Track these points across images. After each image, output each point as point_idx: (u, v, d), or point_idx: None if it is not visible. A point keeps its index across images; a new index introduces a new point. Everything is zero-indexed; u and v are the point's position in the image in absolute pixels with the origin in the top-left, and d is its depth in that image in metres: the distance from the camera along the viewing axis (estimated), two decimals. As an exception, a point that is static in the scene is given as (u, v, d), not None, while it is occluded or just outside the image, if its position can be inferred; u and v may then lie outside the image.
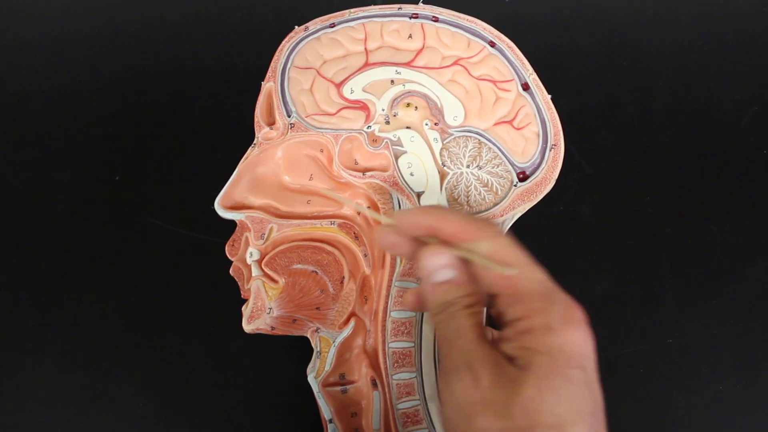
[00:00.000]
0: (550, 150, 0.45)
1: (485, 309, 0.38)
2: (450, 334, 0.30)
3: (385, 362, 0.41)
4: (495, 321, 0.32)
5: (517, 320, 0.29)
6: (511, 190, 0.44)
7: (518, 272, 0.29)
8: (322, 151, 0.45)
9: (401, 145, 0.45)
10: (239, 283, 0.43)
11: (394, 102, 0.45)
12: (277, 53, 0.47)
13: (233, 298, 0.43)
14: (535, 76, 0.47)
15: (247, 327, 0.42)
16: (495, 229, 0.31)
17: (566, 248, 0.46)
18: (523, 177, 0.45)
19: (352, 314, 0.42)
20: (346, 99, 0.45)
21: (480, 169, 0.44)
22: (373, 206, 0.44)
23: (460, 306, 0.30)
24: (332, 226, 0.44)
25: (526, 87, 0.47)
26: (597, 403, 0.27)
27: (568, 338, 0.27)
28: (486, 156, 0.45)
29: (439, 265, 0.31)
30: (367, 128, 0.45)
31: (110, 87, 0.51)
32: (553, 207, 0.47)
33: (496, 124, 0.45)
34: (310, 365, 0.41)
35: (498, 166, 0.45)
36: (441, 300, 0.30)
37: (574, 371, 0.26)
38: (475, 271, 0.31)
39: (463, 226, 0.31)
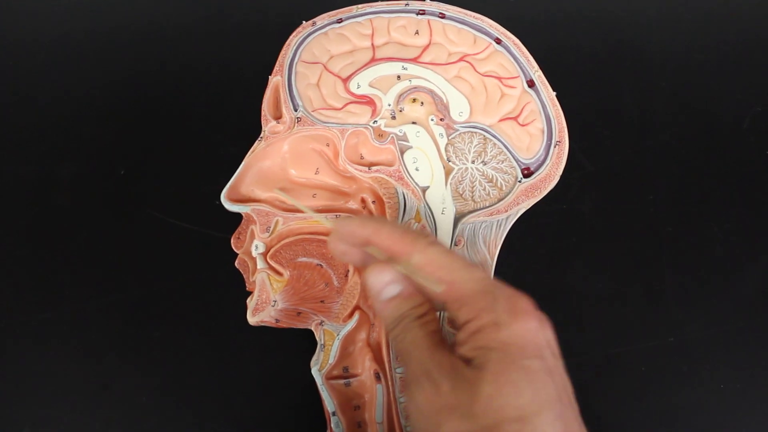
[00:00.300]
0: (555, 146, 0.46)
1: (442, 314, 0.39)
2: (406, 346, 0.30)
3: (388, 355, 0.41)
4: (452, 325, 0.32)
5: (467, 322, 0.29)
6: (516, 186, 0.45)
7: (442, 289, 0.29)
8: (328, 145, 0.45)
9: (407, 140, 0.45)
10: (244, 276, 0.44)
11: (401, 97, 0.46)
12: (284, 48, 0.47)
13: (238, 290, 0.44)
14: (540, 73, 0.47)
15: (252, 319, 0.42)
16: (428, 239, 0.31)
17: (568, 246, 0.46)
18: (527, 173, 0.45)
19: (357, 307, 0.42)
20: (352, 94, 0.46)
21: (485, 164, 0.45)
22: (378, 201, 0.44)
23: (411, 318, 0.30)
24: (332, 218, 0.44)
25: (531, 84, 0.47)
26: (562, 388, 0.28)
27: (517, 331, 0.27)
28: (491, 152, 0.45)
29: (384, 282, 0.31)
30: (373, 123, 0.45)
31: (116, 81, 0.51)
32: (555, 205, 0.47)
33: (501, 120, 0.46)
34: (314, 358, 0.41)
35: (503, 162, 0.45)
36: (393, 315, 0.31)
37: (531, 361, 0.27)
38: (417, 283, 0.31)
39: (396, 239, 0.31)
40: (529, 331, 0.27)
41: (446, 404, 0.27)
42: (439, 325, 0.31)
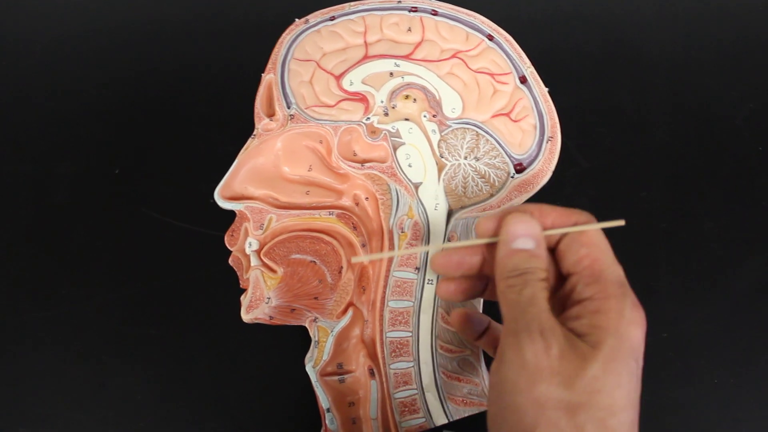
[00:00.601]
0: (547, 142, 0.46)
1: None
2: (523, 300, 0.30)
3: (382, 352, 0.41)
4: (558, 302, 0.32)
5: (591, 299, 0.30)
6: (508, 182, 0.45)
7: (623, 222, 0.31)
8: (321, 142, 0.45)
9: (400, 137, 0.45)
10: (238, 273, 0.44)
11: (393, 94, 0.46)
12: (277, 45, 0.47)
13: (232, 288, 0.44)
14: (532, 69, 0.47)
15: (246, 317, 0.42)
16: (585, 217, 0.33)
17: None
18: (520, 168, 0.45)
19: (350, 304, 0.42)
20: (345, 91, 0.46)
21: (477, 160, 0.45)
22: (371, 197, 0.44)
23: (536, 277, 0.31)
24: (331, 216, 0.44)
25: (523, 80, 0.47)
26: (638, 395, 0.29)
27: (635, 329, 0.28)
28: (483, 148, 0.45)
29: (522, 233, 0.32)
30: (366, 120, 0.45)
31: (110, 81, 0.51)
32: (551, 202, 0.46)
33: (493, 116, 0.46)
34: (308, 355, 0.41)
35: (495, 158, 0.45)
36: (517, 266, 0.31)
37: (632, 362, 0.28)
38: (558, 250, 0.33)
39: (558, 215, 0.33)
40: (640, 334, 0.29)
41: (551, 366, 0.28)
42: (550, 295, 0.31)
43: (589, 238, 0.31)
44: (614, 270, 0.30)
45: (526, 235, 0.32)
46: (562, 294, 0.32)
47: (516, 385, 0.28)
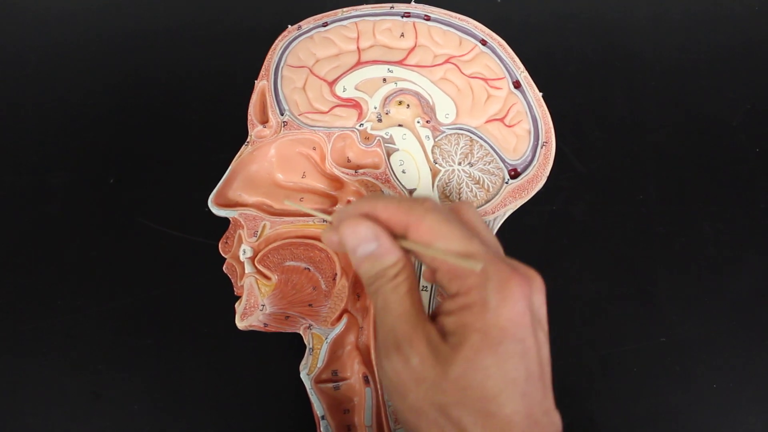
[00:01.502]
0: (542, 147, 0.45)
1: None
2: (379, 309, 0.30)
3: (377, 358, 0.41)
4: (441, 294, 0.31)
5: (456, 295, 0.29)
6: (503, 187, 0.44)
7: (482, 267, 0.28)
8: (314, 148, 0.45)
9: (393, 143, 0.45)
10: (232, 281, 0.44)
11: (387, 100, 0.46)
12: (270, 52, 0.47)
13: (226, 295, 0.43)
14: (526, 74, 0.47)
15: (240, 324, 0.42)
16: (425, 206, 0.30)
17: (559, 248, 0.46)
18: (514, 174, 0.45)
19: (345, 311, 0.42)
20: (338, 97, 0.46)
21: (471, 166, 0.45)
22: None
23: (386, 279, 0.29)
24: (324, 223, 0.44)
25: (517, 85, 0.47)
26: (533, 366, 0.28)
27: (504, 313, 0.27)
28: (477, 153, 0.45)
29: (359, 238, 0.30)
30: (360, 126, 0.45)
31: (104, 90, 0.51)
32: (546, 207, 0.47)
33: (487, 121, 0.46)
34: (303, 362, 0.41)
35: (489, 164, 0.45)
36: (368, 274, 0.30)
37: (508, 345, 0.27)
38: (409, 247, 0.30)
39: (393, 211, 0.30)
40: (514, 313, 0.27)
41: (414, 377, 0.28)
42: (415, 284, 0.30)
43: (426, 230, 0.29)
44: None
45: (364, 240, 0.30)
46: (438, 284, 0.31)
47: (391, 396, 0.29)
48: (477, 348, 0.27)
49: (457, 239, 0.29)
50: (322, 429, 0.40)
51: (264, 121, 0.46)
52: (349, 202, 0.44)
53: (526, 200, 0.45)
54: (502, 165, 0.45)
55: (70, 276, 0.46)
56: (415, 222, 0.29)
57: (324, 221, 0.44)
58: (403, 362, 0.28)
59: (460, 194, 0.44)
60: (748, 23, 0.55)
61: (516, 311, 0.27)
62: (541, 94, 0.47)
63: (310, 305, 0.42)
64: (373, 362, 0.30)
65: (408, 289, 0.30)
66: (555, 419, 0.29)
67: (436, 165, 0.44)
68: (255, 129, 0.46)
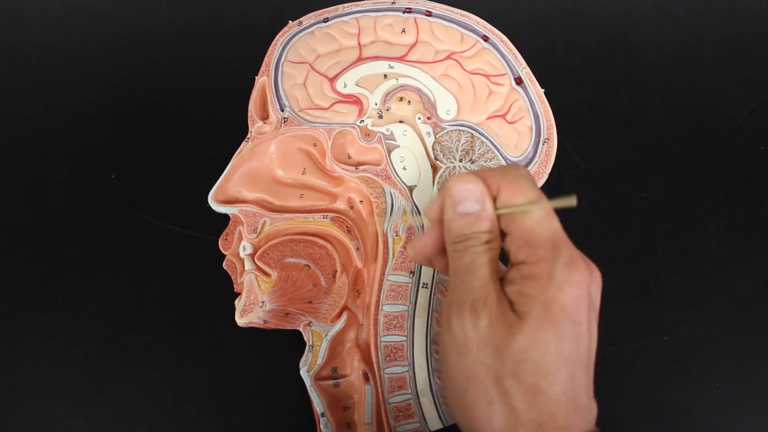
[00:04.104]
0: (543, 144, 0.45)
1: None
2: (461, 267, 0.30)
3: (377, 356, 0.41)
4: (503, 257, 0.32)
5: (523, 264, 0.29)
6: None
7: (575, 201, 0.29)
8: (315, 145, 0.45)
9: (394, 139, 0.45)
10: (232, 277, 0.44)
11: (387, 96, 0.45)
12: (270, 48, 0.47)
13: (226, 292, 0.43)
14: (528, 70, 0.47)
15: (240, 321, 0.42)
16: (518, 171, 0.31)
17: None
18: (516, 171, 0.45)
19: (345, 308, 0.42)
20: (339, 93, 0.45)
21: (472, 163, 0.44)
22: (366, 200, 0.44)
23: (478, 241, 0.30)
24: (325, 219, 0.44)
25: (519, 81, 0.46)
26: (585, 351, 0.29)
27: (566, 292, 0.28)
28: (479, 150, 0.45)
29: (466, 194, 0.31)
30: (360, 122, 0.45)
31: (105, 86, 0.51)
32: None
33: (489, 118, 0.45)
34: (303, 359, 0.41)
35: (491, 160, 0.45)
36: (461, 231, 0.31)
37: (566, 324, 0.28)
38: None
39: (488, 174, 0.31)
40: (575, 295, 0.28)
41: (479, 338, 0.28)
42: (498, 254, 0.31)
43: (518, 192, 0.30)
44: (545, 227, 0.29)
45: (469, 198, 0.31)
46: (505, 250, 0.31)
47: (449, 356, 0.30)
48: (539, 320, 0.28)
49: (544, 200, 0.30)
50: (321, 426, 0.40)
51: (264, 117, 0.46)
52: (349, 199, 0.44)
53: (527, 197, 0.45)
54: (503, 161, 0.45)
55: (70, 271, 0.46)
56: (508, 183, 0.30)
57: (322, 218, 0.44)
58: (473, 321, 0.29)
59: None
60: (754, 19, 0.54)
61: (578, 292, 0.28)
62: (543, 90, 0.46)
63: (309, 302, 0.42)
64: (442, 316, 0.31)
65: (493, 257, 0.30)
66: (593, 407, 0.30)
67: (437, 161, 0.44)
68: (255, 125, 0.45)
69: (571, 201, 0.28)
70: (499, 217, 0.31)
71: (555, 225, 0.30)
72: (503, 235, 0.31)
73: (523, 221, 0.29)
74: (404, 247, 0.42)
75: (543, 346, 0.27)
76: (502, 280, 0.30)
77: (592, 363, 0.30)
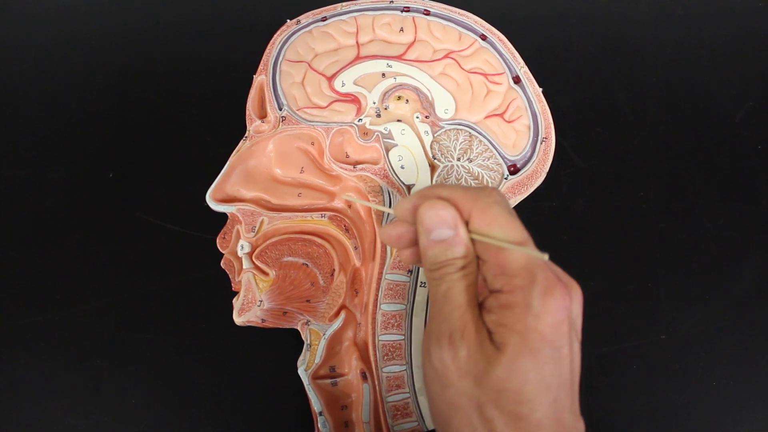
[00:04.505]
0: (541, 143, 0.45)
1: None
2: (439, 297, 0.30)
3: (375, 355, 0.41)
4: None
5: (500, 292, 0.29)
6: (502, 183, 0.44)
7: (546, 256, 0.28)
8: (313, 143, 0.45)
9: (392, 138, 0.45)
10: (230, 276, 0.43)
11: (385, 95, 0.45)
12: (268, 47, 0.47)
13: (224, 291, 0.43)
14: (526, 69, 0.47)
15: (238, 320, 0.42)
16: (492, 198, 0.30)
17: (559, 244, 0.46)
18: (513, 170, 0.45)
19: (343, 307, 0.42)
20: (337, 92, 0.45)
21: (470, 161, 0.44)
22: (364, 199, 0.44)
23: (453, 268, 0.30)
24: (323, 218, 0.44)
25: (517, 80, 0.46)
26: (567, 374, 0.29)
27: (544, 320, 0.28)
28: (477, 149, 0.45)
29: (439, 222, 0.30)
30: (358, 121, 0.45)
31: (103, 85, 0.51)
32: (546, 202, 0.46)
33: (487, 116, 0.45)
34: (301, 358, 0.41)
35: (489, 159, 0.45)
36: (436, 259, 0.31)
37: (546, 351, 0.28)
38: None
39: (459, 196, 0.31)
40: (553, 322, 0.28)
41: (459, 368, 0.29)
42: (476, 279, 0.31)
43: (490, 220, 0.30)
44: (520, 255, 0.29)
45: (441, 225, 0.30)
46: (482, 276, 0.31)
47: (431, 386, 0.30)
48: (518, 350, 0.28)
49: (518, 233, 0.29)
50: (319, 425, 0.40)
51: (262, 116, 0.46)
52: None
53: (525, 196, 0.45)
54: (501, 161, 0.45)
55: (68, 270, 0.46)
56: (480, 210, 0.30)
57: (320, 217, 0.44)
58: (452, 353, 0.29)
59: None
60: (752, 19, 0.54)
61: (556, 319, 0.28)
62: (541, 89, 0.46)
63: (307, 301, 0.42)
64: (422, 349, 0.32)
65: (470, 283, 0.30)
66: (579, 424, 0.30)
67: (435, 160, 0.44)
68: (253, 124, 0.45)
69: (543, 256, 0.28)
70: (473, 240, 0.31)
71: (532, 244, 0.30)
72: (479, 260, 0.31)
73: (498, 249, 0.29)
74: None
75: (522, 376, 0.27)
76: (480, 306, 0.30)
77: (576, 382, 0.30)
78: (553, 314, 0.28)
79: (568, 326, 0.29)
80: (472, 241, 0.31)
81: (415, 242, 0.33)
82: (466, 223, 0.31)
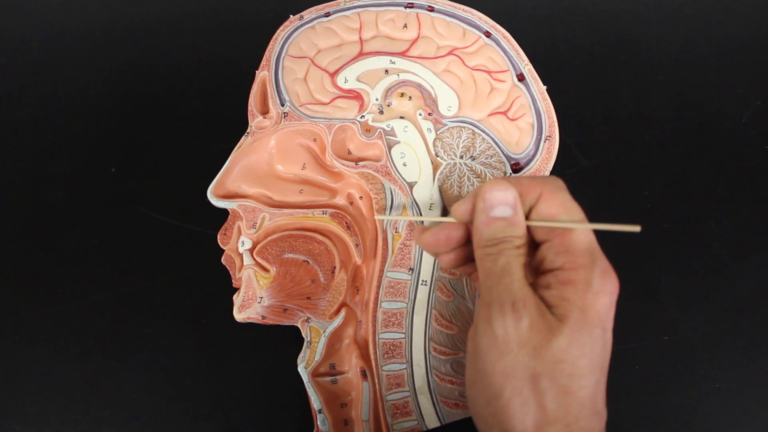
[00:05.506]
0: (545, 141, 0.45)
1: None
2: (498, 269, 0.31)
3: (375, 353, 0.41)
4: (533, 267, 0.33)
5: (560, 270, 0.30)
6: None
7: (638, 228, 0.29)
8: (315, 140, 0.45)
9: (394, 135, 0.44)
10: (231, 272, 0.43)
11: (388, 92, 0.45)
12: (271, 42, 0.47)
13: (225, 287, 0.43)
14: (530, 66, 0.46)
15: (238, 316, 0.42)
16: (556, 184, 0.32)
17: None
18: (517, 168, 0.44)
19: (343, 304, 0.42)
20: (339, 88, 0.45)
21: (473, 159, 0.44)
22: (366, 197, 0.43)
23: (511, 245, 0.31)
24: (324, 215, 0.43)
25: (521, 78, 0.46)
26: (607, 358, 0.30)
27: (601, 299, 0.29)
28: (480, 147, 0.44)
29: (500, 200, 0.32)
30: (361, 118, 0.45)
31: (105, 79, 0.51)
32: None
33: (490, 114, 0.45)
34: (301, 355, 0.41)
35: (492, 157, 0.44)
36: (493, 235, 0.32)
37: (599, 330, 0.29)
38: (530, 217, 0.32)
39: (528, 183, 0.32)
40: (608, 303, 0.30)
41: (519, 337, 0.29)
42: (526, 261, 0.32)
43: (559, 204, 0.31)
44: (584, 237, 0.30)
45: (504, 203, 0.32)
46: (536, 260, 0.32)
47: (487, 355, 0.30)
48: (579, 324, 0.29)
49: (582, 216, 0.31)
50: (319, 423, 0.40)
51: (264, 112, 0.46)
52: (349, 195, 0.44)
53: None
54: (504, 159, 0.44)
55: (69, 264, 0.46)
56: (549, 193, 0.32)
57: (321, 214, 0.44)
58: (514, 321, 0.29)
59: (461, 188, 0.43)
60: (759, 17, 0.54)
61: (610, 301, 0.30)
62: (545, 87, 0.46)
63: (308, 298, 0.42)
64: (475, 316, 0.33)
65: (524, 262, 0.31)
66: (605, 413, 0.31)
67: (438, 158, 0.44)
68: (255, 120, 0.45)
69: (635, 228, 0.29)
70: (529, 227, 0.32)
71: (592, 236, 0.31)
72: (534, 247, 0.32)
73: (562, 230, 0.31)
74: (412, 233, 0.42)
75: (580, 349, 0.29)
76: (533, 285, 0.31)
77: (606, 371, 0.31)
78: (608, 295, 0.29)
79: (613, 312, 0.30)
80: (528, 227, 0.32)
81: (461, 244, 0.35)
82: (530, 209, 0.32)
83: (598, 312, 0.29)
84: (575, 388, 0.29)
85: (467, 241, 0.35)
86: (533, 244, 0.33)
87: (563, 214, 0.31)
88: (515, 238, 0.31)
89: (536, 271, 0.32)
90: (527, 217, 0.32)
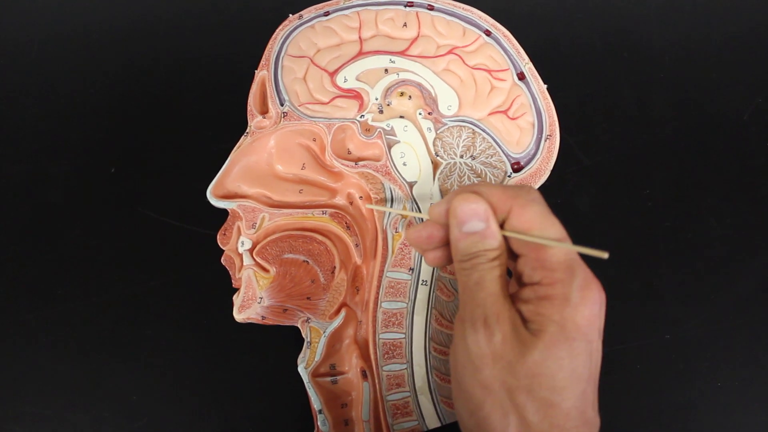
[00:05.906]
0: (545, 141, 0.45)
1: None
2: (471, 284, 0.31)
3: (375, 353, 0.41)
4: (512, 276, 0.33)
5: (538, 284, 0.30)
6: (506, 181, 0.44)
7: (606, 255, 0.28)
8: (314, 140, 0.45)
9: (394, 135, 0.44)
10: (230, 272, 0.43)
11: (388, 91, 0.45)
12: (270, 42, 0.47)
13: (224, 287, 0.43)
14: (531, 65, 0.46)
15: (238, 316, 0.42)
16: (530, 196, 0.31)
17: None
18: (517, 167, 0.44)
19: (343, 304, 0.42)
20: (339, 88, 0.45)
21: (473, 159, 0.44)
22: (366, 196, 0.43)
23: (485, 258, 0.31)
24: (324, 215, 0.43)
25: (521, 77, 0.46)
26: (594, 368, 0.30)
27: (581, 312, 0.29)
28: (480, 146, 0.44)
29: (471, 214, 0.31)
30: (361, 117, 0.44)
31: (104, 79, 0.51)
32: (551, 200, 0.45)
33: (490, 113, 0.45)
34: (301, 355, 0.41)
35: (492, 157, 0.44)
36: (468, 250, 0.31)
37: (579, 342, 0.29)
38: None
39: (497, 195, 0.31)
40: (589, 315, 0.29)
41: (493, 353, 0.29)
42: (506, 270, 0.32)
43: (530, 218, 0.30)
44: (559, 251, 0.30)
45: (474, 217, 0.31)
46: (517, 271, 0.32)
47: (464, 369, 0.30)
48: (554, 338, 0.29)
49: (557, 230, 0.30)
50: (319, 423, 0.40)
51: (264, 112, 0.45)
52: (349, 194, 0.44)
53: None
54: (504, 158, 0.44)
55: (69, 265, 0.46)
56: (520, 207, 0.31)
57: (321, 213, 0.44)
58: (487, 336, 0.29)
59: (461, 187, 0.43)
60: (761, 14, 0.53)
61: (592, 312, 0.29)
62: (545, 86, 0.46)
63: (308, 298, 0.42)
64: (453, 332, 0.32)
65: (501, 273, 0.31)
66: (597, 420, 0.31)
67: (438, 157, 0.44)
68: (255, 120, 0.45)
69: (602, 254, 0.28)
70: (505, 237, 0.32)
71: (567, 246, 0.30)
72: (515, 256, 0.32)
73: (537, 245, 0.30)
74: (406, 230, 0.42)
75: (557, 363, 0.28)
76: (513, 297, 0.31)
77: (596, 380, 0.31)
78: (590, 307, 0.29)
79: (599, 322, 0.30)
80: (505, 238, 0.32)
81: (443, 243, 0.34)
82: (503, 221, 0.32)
83: (578, 325, 0.29)
84: (558, 401, 0.29)
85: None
86: (515, 253, 0.32)
87: (534, 229, 0.30)
88: (489, 251, 0.31)
89: (519, 281, 0.32)
90: (502, 227, 0.32)
